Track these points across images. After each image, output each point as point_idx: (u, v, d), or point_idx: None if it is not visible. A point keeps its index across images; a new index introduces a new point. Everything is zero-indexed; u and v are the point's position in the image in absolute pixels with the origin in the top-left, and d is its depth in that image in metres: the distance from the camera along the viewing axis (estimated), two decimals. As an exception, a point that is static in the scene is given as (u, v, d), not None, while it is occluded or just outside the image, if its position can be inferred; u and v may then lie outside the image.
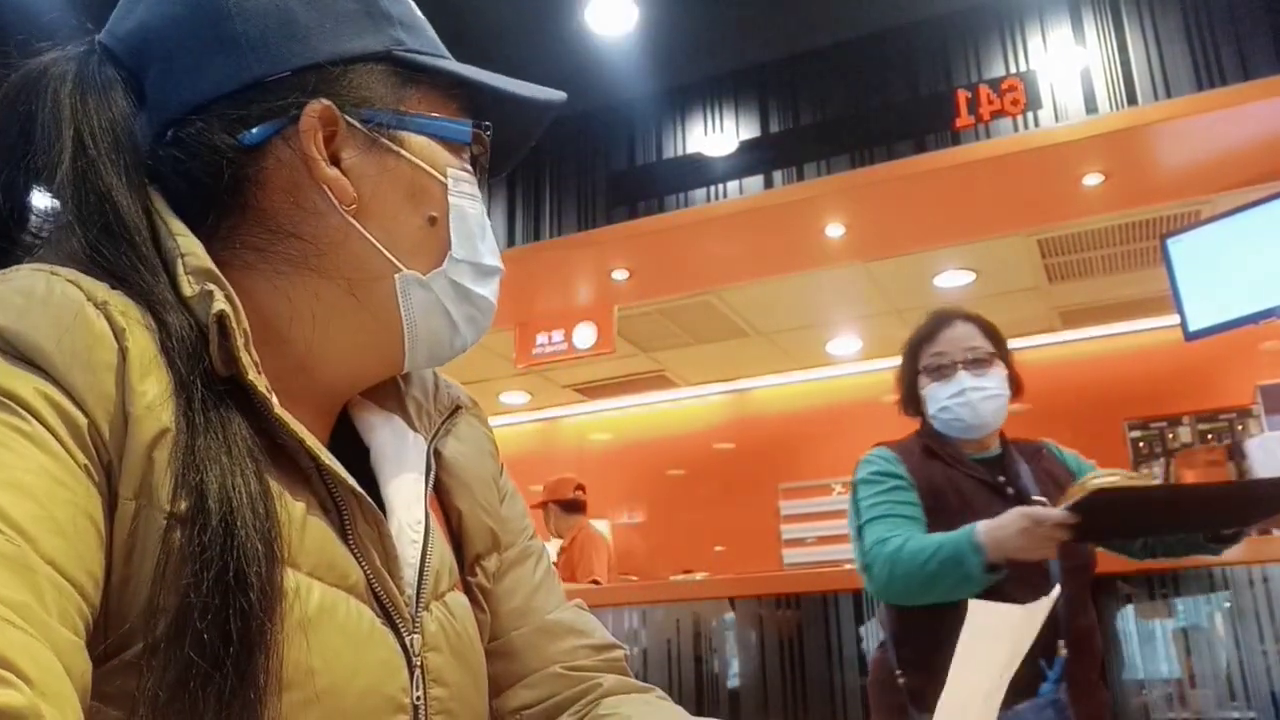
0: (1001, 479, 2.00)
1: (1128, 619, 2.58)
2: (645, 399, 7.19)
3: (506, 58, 3.91)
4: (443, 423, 0.75)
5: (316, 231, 0.63)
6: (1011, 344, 2.10)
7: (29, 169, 0.60)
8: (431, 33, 0.70)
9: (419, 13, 0.70)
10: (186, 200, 0.62)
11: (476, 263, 0.68)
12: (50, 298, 0.52)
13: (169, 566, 0.50)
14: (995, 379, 2.02)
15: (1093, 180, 3.94)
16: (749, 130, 4.29)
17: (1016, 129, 3.77)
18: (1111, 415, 4.82)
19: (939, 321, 2.12)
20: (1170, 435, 4.50)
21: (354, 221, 0.63)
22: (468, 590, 0.72)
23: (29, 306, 0.52)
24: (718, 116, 4.36)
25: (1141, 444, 4.55)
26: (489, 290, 0.70)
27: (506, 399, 7.17)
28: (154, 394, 0.53)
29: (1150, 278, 4.73)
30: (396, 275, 0.64)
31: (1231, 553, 2.29)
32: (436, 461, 0.72)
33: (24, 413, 0.48)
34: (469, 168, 0.69)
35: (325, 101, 0.63)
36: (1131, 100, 3.62)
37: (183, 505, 0.51)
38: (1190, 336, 3.22)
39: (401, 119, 0.65)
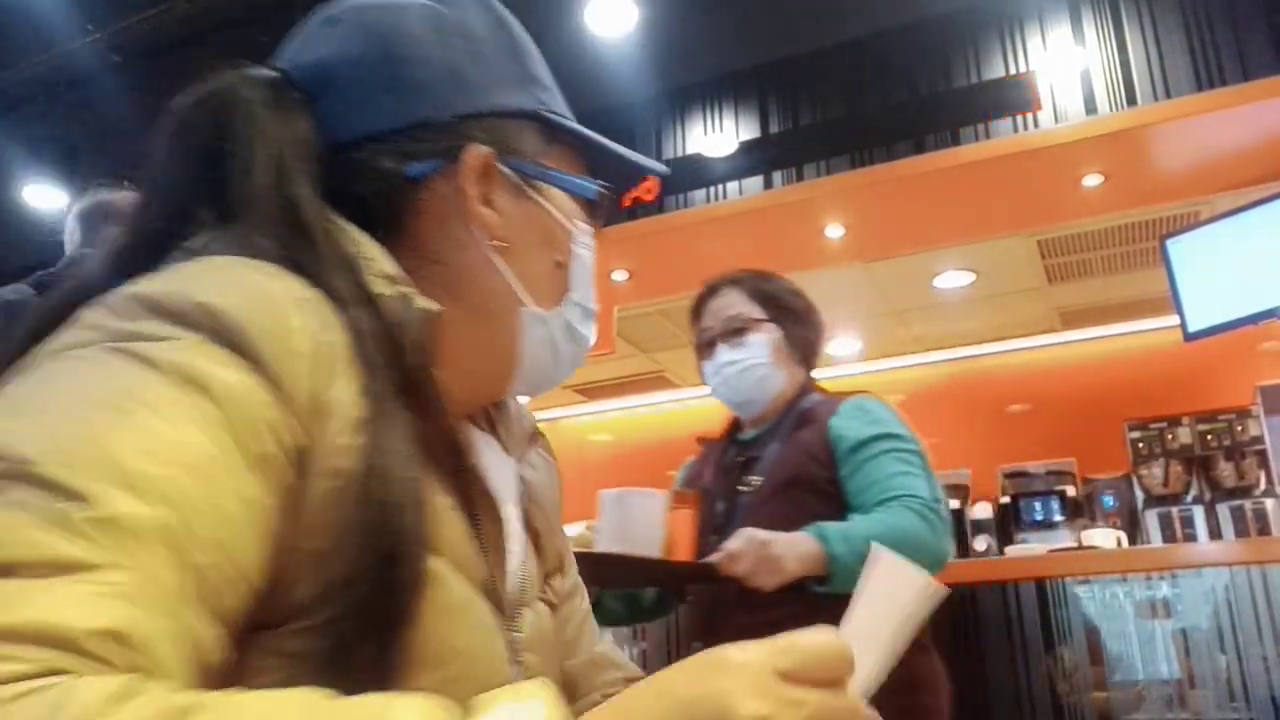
0: (742, 460, 1.80)
1: (1127, 619, 2.58)
2: (645, 400, 7.18)
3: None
4: (526, 448, 0.82)
5: (460, 261, 0.69)
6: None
7: (222, 171, 0.64)
8: (562, 98, 0.79)
9: (552, 78, 0.79)
10: (347, 219, 0.67)
11: (586, 306, 0.77)
12: (256, 287, 0.56)
13: (336, 544, 0.53)
14: (752, 348, 1.79)
15: (1092, 181, 3.94)
16: (749, 131, 4.29)
17: (1016, 129, 3.77)
18: (1111, 416, 4.80)
19: (703, 294, 1.92)
20: (1170, 436, 4.49)
21: (496, 257, 0.70)
22: None
23: (235, 292, 0.55)
24: (718, 117, 4.36)
25: (1141, 444, 4.53)
26: (590, 330, 0.78)
27: (506, 399, 7.16)
28: (344, 385, 0.56)
29: (1150, 278, 4.72)
30: (523, 310, 0.72)
31: (1232, 552, 2.28)
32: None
33: (213, 397, 0.50)
34: (589, 221, 0.78)
35: (485, 148, 0.69)
36: (1131, 101, 3.62)
37: (355, 490, 0.54)
38: (1190, 337, 3.22)
39: (545, 172, 0.74)
